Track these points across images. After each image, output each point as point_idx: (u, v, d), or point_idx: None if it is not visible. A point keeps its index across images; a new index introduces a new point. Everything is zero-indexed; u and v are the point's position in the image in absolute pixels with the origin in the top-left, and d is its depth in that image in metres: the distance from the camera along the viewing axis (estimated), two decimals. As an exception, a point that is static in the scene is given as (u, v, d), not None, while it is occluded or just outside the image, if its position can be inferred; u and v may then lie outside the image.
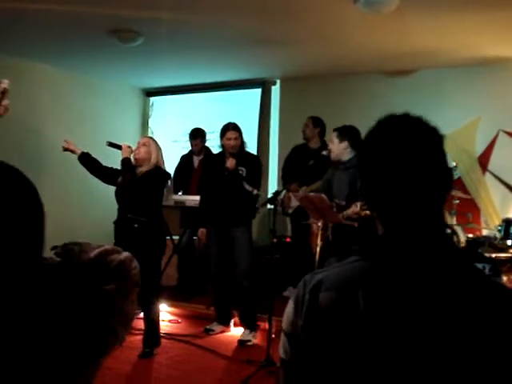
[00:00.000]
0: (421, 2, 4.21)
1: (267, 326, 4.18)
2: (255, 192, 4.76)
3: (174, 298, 5.83)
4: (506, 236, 4.85)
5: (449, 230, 1.05)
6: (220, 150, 4.98)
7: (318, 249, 4.15)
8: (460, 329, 0.94)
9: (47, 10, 4.60)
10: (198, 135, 6.36)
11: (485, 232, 5.63)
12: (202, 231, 5.09)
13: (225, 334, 5.02)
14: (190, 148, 6.46)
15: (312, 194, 4.39)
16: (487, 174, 5.97)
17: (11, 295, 0.94)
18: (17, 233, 0.98)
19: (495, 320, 0.95)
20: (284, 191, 5.22)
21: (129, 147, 4.45)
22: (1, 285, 0.94)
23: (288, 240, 6.02)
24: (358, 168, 1.13)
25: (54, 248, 1.07)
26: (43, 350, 0.94)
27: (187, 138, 6.51)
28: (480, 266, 4.42)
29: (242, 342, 4.74)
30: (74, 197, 6.80)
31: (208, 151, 6.34)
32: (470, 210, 5.57)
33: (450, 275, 0.98)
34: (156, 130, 8.11)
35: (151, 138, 4.69)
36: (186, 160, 6.46)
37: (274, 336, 4.07)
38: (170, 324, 5.36)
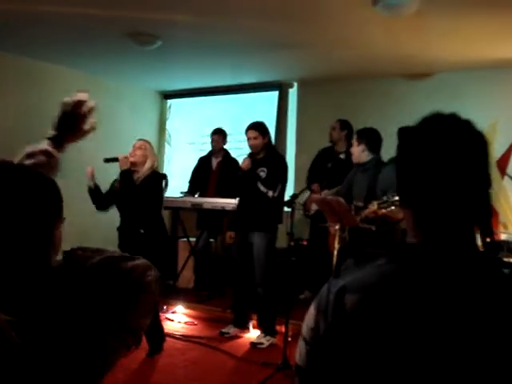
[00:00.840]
0: (440, 5, 4.19)
1: (284, 328, 4.17)
2: (270, 194, 4.62)
3: (191, 300, 5.85)
4: (525, 240, 4.80)
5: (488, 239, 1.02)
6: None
7: (336, 252, 4.14)
8: (489, 334, 0.93)
9: (66, 14, 4.65)
10: (219, 132, 6.33)
11: (503, 236, 5.56)
12: (229, 234, 5.14)
13: (242, 336, 5.00)
14: (210, 147, 6.40)
15: (330, 197, 4.38)
16: (506, 178, 5.90)
17: (12, 295, 0.94)
18: (24, 233, 0.99)
19: None
20: (306, 193, 5.23)
21: (125, 157, 4.41)
22: (1, 285, 0.95)
23: (305, 243, 6.01)
24: (396, 164, 1.06)
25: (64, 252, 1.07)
26: (41, 356, 0.91)
27: (204, 140, 6.51)
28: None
29: (253, 345, 4.73)
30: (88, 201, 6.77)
31: (227, 153, 6.34)
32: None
33: (480, 282, 0.96)
34: (173, 132, 8.15)
35: (147, 141, 4.61)
36: (204, 162, 6.40)
37: (290, 339, 4.07)
38: (186, 326, 5.36)
